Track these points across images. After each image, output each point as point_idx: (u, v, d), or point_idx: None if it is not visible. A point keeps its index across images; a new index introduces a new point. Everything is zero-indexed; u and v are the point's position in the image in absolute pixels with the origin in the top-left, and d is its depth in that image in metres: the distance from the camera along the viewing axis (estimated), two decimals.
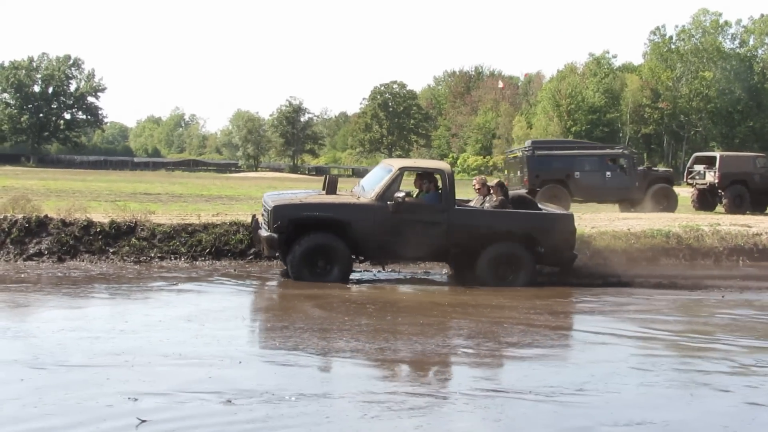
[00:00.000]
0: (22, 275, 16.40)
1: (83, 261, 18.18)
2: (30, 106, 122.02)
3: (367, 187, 17.74)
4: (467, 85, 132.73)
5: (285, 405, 8.55)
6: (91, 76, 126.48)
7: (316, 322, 12.86)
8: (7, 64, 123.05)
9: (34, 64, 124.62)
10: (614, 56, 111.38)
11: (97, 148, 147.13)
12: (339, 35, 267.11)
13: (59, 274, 16.81)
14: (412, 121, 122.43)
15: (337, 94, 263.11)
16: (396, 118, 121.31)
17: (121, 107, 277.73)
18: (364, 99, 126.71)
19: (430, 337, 12.10)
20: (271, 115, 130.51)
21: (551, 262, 18.07)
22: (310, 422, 8.09)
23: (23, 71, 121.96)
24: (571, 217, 18.32)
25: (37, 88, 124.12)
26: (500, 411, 8.65)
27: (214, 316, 13.15)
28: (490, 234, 17.41)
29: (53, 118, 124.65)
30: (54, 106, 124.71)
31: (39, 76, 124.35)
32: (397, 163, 18.25)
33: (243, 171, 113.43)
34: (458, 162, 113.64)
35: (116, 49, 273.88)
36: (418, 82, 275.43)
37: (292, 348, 11.02)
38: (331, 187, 17.77)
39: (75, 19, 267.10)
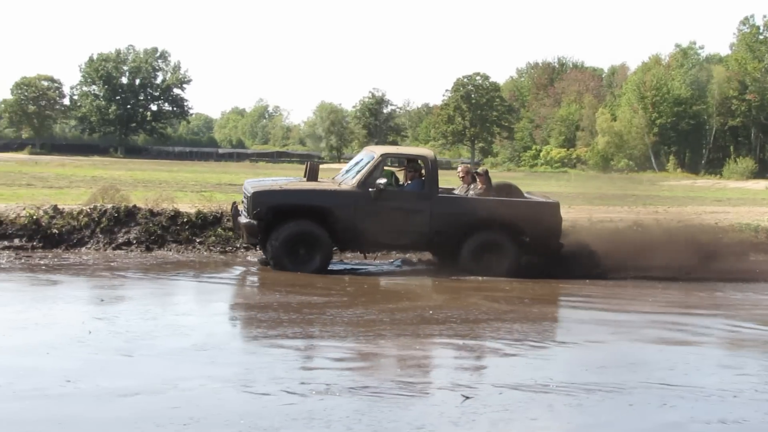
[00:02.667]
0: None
1: (170, 250, 18.40)
2: (118, 97, 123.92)
3: (349, 174, 17.52)
4: (550, 77, 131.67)
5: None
6: (177, 68, 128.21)
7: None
8: (95, 56, 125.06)
9: (122, 57, 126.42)
10: (701, 47, 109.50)
11: (183, 140, 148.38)
12: (423, 27, 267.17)
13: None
14: (494, 113, 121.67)
15: (420, 86, 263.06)
16: (479, 110, 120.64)
17: (206, 99, 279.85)
18: (447, 91, 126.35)
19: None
20: (354, 107, 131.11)
21: (536, 251, 17.71)
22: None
23: (111, 64, 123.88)
24: (556, 206, 17.94)
25: (124, 80, 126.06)
26: (587, 404, 8.59)
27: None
28: (474, 222, 17.12)
29: (140, 110, 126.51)
30: (141, 97, 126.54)
31: (126, 68, 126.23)
32: (379, 150, 18.02)
33: (326, 162, 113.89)
34: (541, 154, 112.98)
35: (202, 42, 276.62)
36: (501, 74, 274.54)
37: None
38: (312, 174, 17.51)
39: (161, 11, 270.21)
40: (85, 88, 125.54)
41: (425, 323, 12.20)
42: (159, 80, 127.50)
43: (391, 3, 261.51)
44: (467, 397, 8.40)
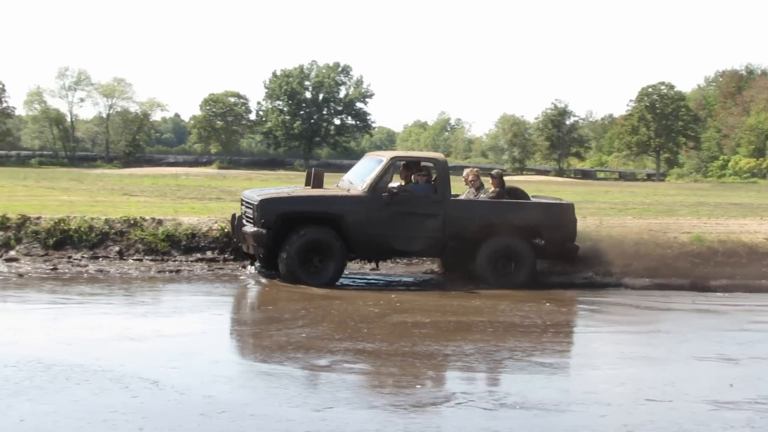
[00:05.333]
0: None
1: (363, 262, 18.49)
2: (302, 112, 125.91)
3: (356, 180, 16.99)
4: (738, 85, 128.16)
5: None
6: (359, 82, 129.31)
7: None
8: (279, 72, 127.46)
9: (305, 72, 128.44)
10: None
11: (366, 153, 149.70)
12: (606, 36, 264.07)
13: None
14: (680, 123, 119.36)
15: (603, 97, 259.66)
16: (664, 120, 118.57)
17: (389, 112, 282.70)
18: (630, 101, 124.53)
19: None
20: (536, 119, 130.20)
21: (552, 255, 17.13)
22: None
23: (295, 79, 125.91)
24: (571, 207, 17.40)
25: (308, 95, 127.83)
26: None
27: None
28: (489, 226, 16.56)
29: (323, 124, 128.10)
30: (324, 112, 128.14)
31: (309, 83, 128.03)
32: (388, 154, 17.47)
33: (508, 174, 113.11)
34: (729, 164, 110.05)
35: (384, 56, 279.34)
36: (687, 83, 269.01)
37: None
38: (317, 181, 17.01)
39: (343, 27, 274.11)
40: (270, 104, 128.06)
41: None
42: (342, 94, 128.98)
43: (574, 13, 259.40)
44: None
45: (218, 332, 12.20)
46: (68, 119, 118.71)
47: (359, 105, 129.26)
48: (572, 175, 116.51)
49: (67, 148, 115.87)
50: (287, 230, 15.97)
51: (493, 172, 17.92)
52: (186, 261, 18.00)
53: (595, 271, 17.65)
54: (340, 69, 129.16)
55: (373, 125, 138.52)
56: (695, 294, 16.63)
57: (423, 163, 17.37)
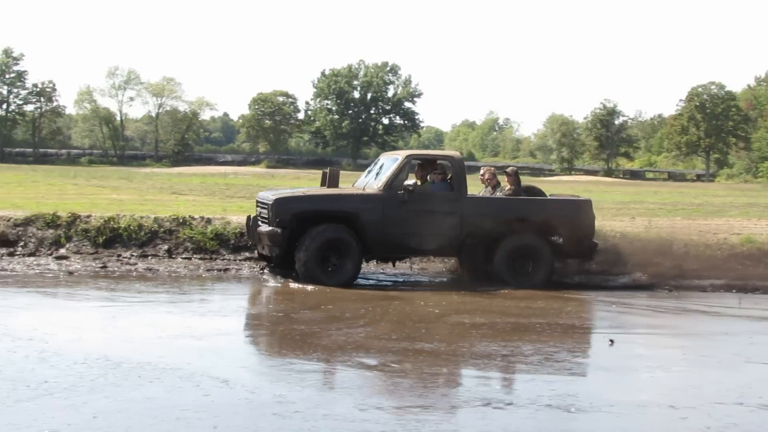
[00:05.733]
0: None
1: (408, 262, 18.47)
2: (350, 112, 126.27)
3: (372, 179, 16.82)
4: None
5: None
6: (407, 81, 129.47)
7: None
8: (328, 72, 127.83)
9: (353, 72, 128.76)
10: None
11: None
12: (655, 36, 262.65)
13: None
14: (730, 123, 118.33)
15: (652, 96, 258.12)
16: (714, 120, 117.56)
17: (437, 112, 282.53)
18: (680, 101, 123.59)
19: None
20: (585, 118, 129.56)
21: (570, 253, 16.83)
22: None
23: (343, 78, 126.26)
24: (588, 204, 17.13)
25: (356, 95, 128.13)
26: None
27: None
28: (506, 224, 16.34)
29: (372, 124, 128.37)
30: (372, 111, 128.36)
31: (358, 83, 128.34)
32: (403, 152, 17.30)
33: (556, 174, 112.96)
34: None
35: (432, 55, 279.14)
36: (737, 83, 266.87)
37: None
38: (332, 181, 16.96)
39: (391, 26, 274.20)
40: (318, 103, 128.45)
41: None
42: (390, 94, 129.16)
43: (624, 12, 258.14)
44: None
45: (279, 331, 12.11)
46: (118, 118, 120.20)
47: (407, 104, 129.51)
48: (621, 176, 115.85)
49: (117, 146, 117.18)
50: (302, 230, 15.89)
51: (508, 169, 17.88)
52: (234, 260, 18.10)
53: (644, 273, 17.43)
54: (388, 68, 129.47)
55: (422, 125, 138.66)
56: (747, 296, 16.47)
57: (439, 162, 17.28)
